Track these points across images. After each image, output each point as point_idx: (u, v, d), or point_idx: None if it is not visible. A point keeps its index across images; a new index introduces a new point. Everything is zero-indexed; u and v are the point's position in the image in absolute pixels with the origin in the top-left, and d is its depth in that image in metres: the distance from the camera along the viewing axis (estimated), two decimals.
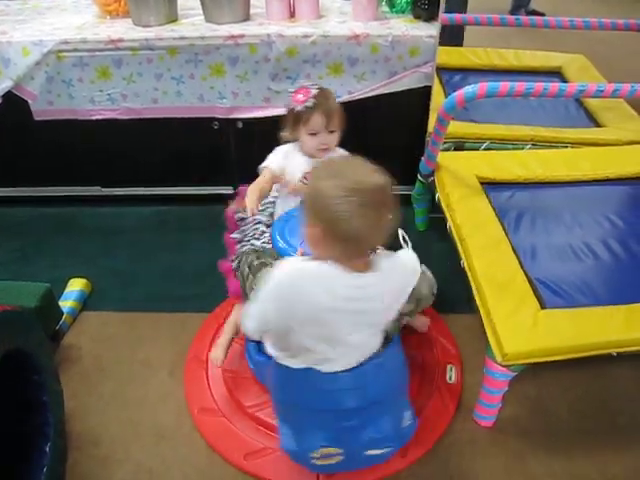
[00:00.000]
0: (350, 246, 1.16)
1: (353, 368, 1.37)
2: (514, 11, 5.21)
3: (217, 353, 1.85)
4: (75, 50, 2.29)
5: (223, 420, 1.76)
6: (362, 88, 2.37)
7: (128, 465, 1.69)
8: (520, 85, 1.90)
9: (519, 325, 1.61)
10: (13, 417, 1.59)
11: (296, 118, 1.74)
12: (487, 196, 2.11)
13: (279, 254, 1.58)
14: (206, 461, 1.69)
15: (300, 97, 1.73)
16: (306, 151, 1.79)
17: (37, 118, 2.47)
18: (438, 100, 2.73)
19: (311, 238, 1.19)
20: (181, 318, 2.14)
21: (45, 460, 1.57)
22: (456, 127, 2.43)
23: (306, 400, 1.40)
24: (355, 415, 1.40)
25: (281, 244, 1.58)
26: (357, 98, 2.38)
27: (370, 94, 2.38)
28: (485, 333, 1.65)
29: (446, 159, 2.26)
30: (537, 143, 2.53)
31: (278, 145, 1.83)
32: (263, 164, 1.79)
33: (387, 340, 1.46)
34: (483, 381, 1.69)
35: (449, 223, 2.05)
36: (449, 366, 1.90)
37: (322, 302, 1.20)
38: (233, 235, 1.84)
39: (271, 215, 1.88)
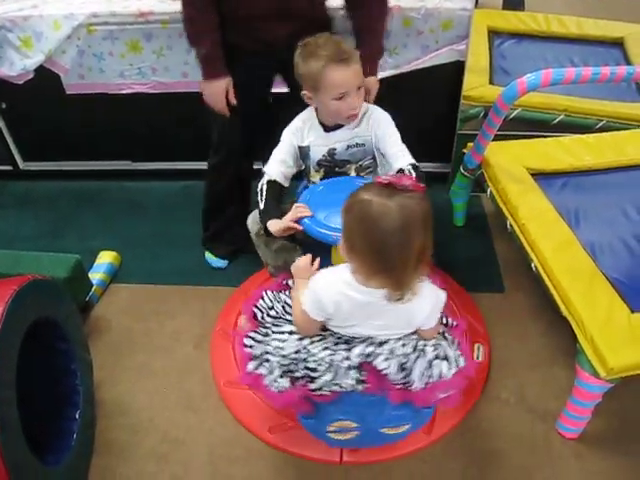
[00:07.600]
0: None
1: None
2: None
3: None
4: (105, 23, 2.28)
5: (248, 393, 1.76)
6: (394, 62, 2.32)
7: (155, 434, 1.72)
8: (586, 71, 1.75)
9: (617, 334, 1.50)
10: (44, 384, 1.63)
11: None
12: (541, 189, 2.00)
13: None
14: (231, 433, 1.71)
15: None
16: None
17: (68, 92, 2.48)
18: (481, 63, 2.65)
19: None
20: (208, 291, 2.16)
21: (74, 427, 1.60)
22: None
23: None
24: None
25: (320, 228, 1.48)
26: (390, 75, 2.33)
27: (403, 71, 2.34)
28: (577, 341, 1.55)
29: (492, 151, 2.11)
30: (571, 114, 2.44)
31: None
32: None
33: None
34: (573, 392, 1.58)
35: (510, 221, 1.95)
36: (477, 345, 1.88)
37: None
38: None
39: None
